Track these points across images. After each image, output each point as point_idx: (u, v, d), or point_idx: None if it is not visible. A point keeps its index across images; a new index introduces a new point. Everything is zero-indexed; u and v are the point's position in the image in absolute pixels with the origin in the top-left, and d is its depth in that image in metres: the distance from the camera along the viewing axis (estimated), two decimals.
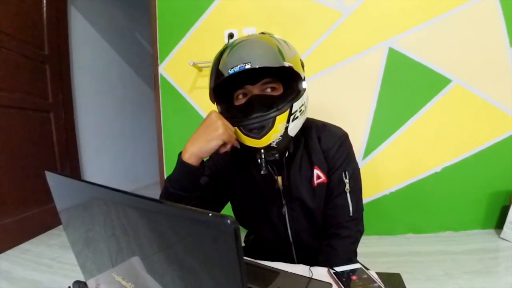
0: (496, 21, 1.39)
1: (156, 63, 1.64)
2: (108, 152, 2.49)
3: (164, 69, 1.63)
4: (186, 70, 1.58)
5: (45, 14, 1.75)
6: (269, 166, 0.63)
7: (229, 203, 0.75)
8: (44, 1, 1.74)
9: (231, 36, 1.50)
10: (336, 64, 1.50)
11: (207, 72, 1.54)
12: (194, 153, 0.54)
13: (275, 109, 0.55)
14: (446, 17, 1.41)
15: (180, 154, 0.55)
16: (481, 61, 1.42)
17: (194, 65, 1.51)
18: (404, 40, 1.45)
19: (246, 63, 0.52)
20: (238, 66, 0.52)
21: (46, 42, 1.77)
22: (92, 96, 2.27)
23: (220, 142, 0.54)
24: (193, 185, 0.56)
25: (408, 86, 1.47)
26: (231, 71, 0.53)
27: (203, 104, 1.62)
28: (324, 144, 0.65)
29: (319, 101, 1.50)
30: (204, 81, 1.58)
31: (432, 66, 1.45)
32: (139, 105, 2.91)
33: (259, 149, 0.56)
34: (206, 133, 0.54)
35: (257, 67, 0.52)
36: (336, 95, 1.52)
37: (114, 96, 2.56)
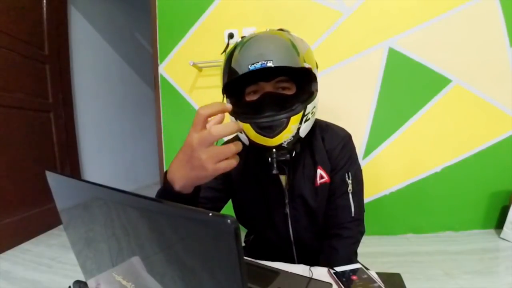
0: (496, 21, 1.39)
1: (156, 63, 1.64)
2: (108, 152, 2.48)
3: (164, 69, 1.63)
4: (186, 70, 1.58)
5: (45, 14, 1.75)
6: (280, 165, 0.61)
7: (229, 202, 0.75)
8: (44, 1, 1.74)
9: (231, 36, 1.50)
10: (336, 64, 1.51)
11: (207, 72, 1.54)
12: (186, 186, 0.42)
13: (290, 109, 0.54)
14: (446, 17, 1.41)
15: (167, 179, 0.43)
16: (481, 61, 1.42)
17: (194, 65, 1.50)
18: (404, 40, 1.45)
19: (268, 60, 0.50)
20: (260, 63, 0.50)
21: (46, 42, 1.77)
22: (92, 96, 2.27)
23: (212, 177, 0.40)
24: (192, 201, 0.47)
25: (408, 86, 1.47)
26: (251, 67, 0.51)
27: (203, 104, 1.61)
28: (328, 144, 0.65)
29: (319, 101, 1.50)
30: (204, 81, 1.57)
31: (432, 66, 1.45)
32: (139, 105, 2.91)
33: (271, 148, 0.54)
34: (192, 170, 0.40)
35: (278, 65, 0.50)
36: (336, 95, 1.52)
37: (114, 96, 2.56)
